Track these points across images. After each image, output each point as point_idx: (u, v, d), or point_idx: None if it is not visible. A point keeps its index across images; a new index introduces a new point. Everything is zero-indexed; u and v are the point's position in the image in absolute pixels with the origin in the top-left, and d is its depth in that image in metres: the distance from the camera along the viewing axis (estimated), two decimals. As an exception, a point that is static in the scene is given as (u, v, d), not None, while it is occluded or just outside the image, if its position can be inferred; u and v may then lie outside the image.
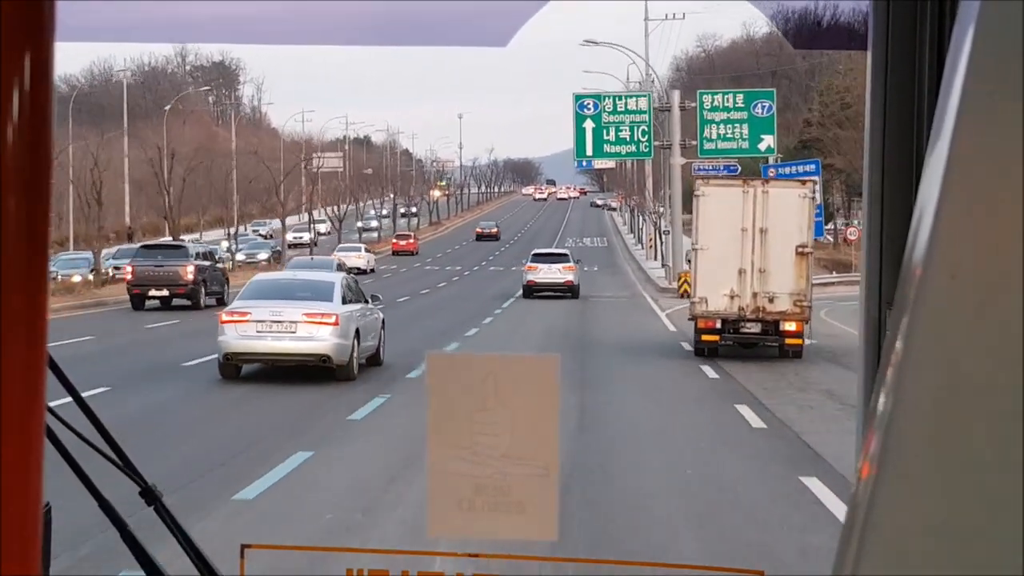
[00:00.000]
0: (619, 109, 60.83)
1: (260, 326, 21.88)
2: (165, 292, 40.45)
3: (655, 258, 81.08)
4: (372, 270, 67.18)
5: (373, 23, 2.71)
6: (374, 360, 23.95)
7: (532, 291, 52.15)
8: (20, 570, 0.99)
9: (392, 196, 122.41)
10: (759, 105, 59.60)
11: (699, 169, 64.87)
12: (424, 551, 2.19)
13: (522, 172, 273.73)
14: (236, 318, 22.03)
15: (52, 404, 1.49)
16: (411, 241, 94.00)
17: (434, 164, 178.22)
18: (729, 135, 60.05)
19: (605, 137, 60.77)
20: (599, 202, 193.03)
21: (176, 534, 2.23)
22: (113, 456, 2.21)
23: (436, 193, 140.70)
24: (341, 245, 76.26)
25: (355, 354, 22.39)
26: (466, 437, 1.95)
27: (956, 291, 0.94)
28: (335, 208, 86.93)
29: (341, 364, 21.97)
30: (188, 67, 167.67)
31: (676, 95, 63.49)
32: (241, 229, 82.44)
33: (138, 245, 47.46)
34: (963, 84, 0.96)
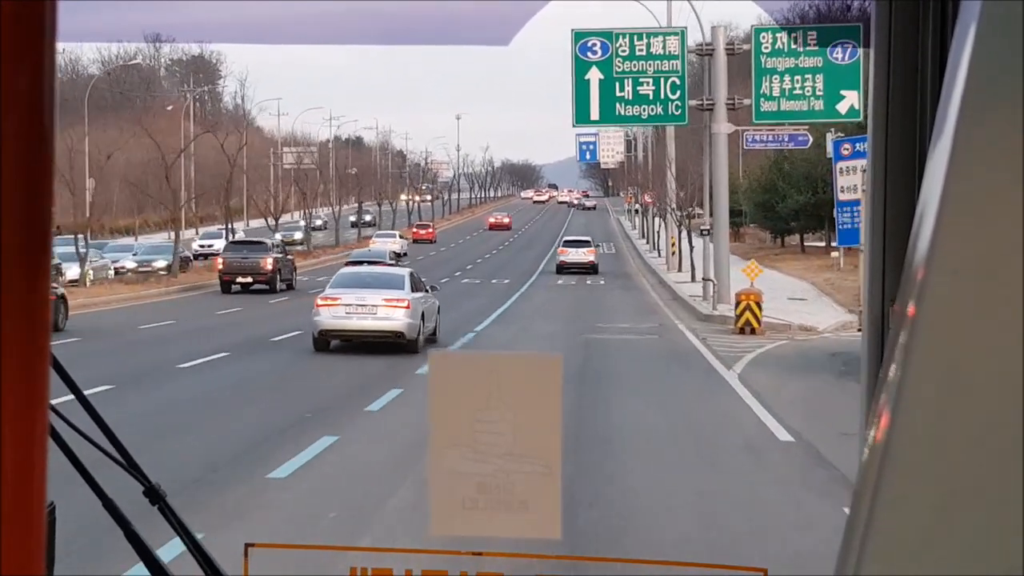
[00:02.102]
0: (638, 52, 40.71)
1: (348, 309, 26.38)
2: (249, 279, 46.83)
3: (679, 268, 61.07)
4: (405, 254, 71.69)
5: (374, 22, 2.66)
6: (431, 338, 27.98)
7: (563, 269, 64.21)
8: (24, 570, 0.99)
9: (353, 199, 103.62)
10: (839, 48, 39.52)
11: (753, 140, 44.77)
12: (428, 549, 2.17)
13: (522, 175, 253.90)
14: (329, 302, 26.52)
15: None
16: (430, 231, 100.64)
17: (429, 165, 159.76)
18: (797, 91, 40.06)
19: (618, 93, 40.66)
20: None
21: (180, 533, 2.19)
22: (117, 455, 2.16)
23: (416, 198, 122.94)
24: (378, 232, 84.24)
25: (421, 332, 26.78)
26: (468, 436, 1.93)
27: (958, 288, 0.94)
28: (273, 212, 68.87)
29: (411, 339, 26.24)
30: (164, 60, 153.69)
31: (721, 32, 43.23)
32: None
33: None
34: (965, 83, 0.96)
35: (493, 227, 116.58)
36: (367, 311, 26.44)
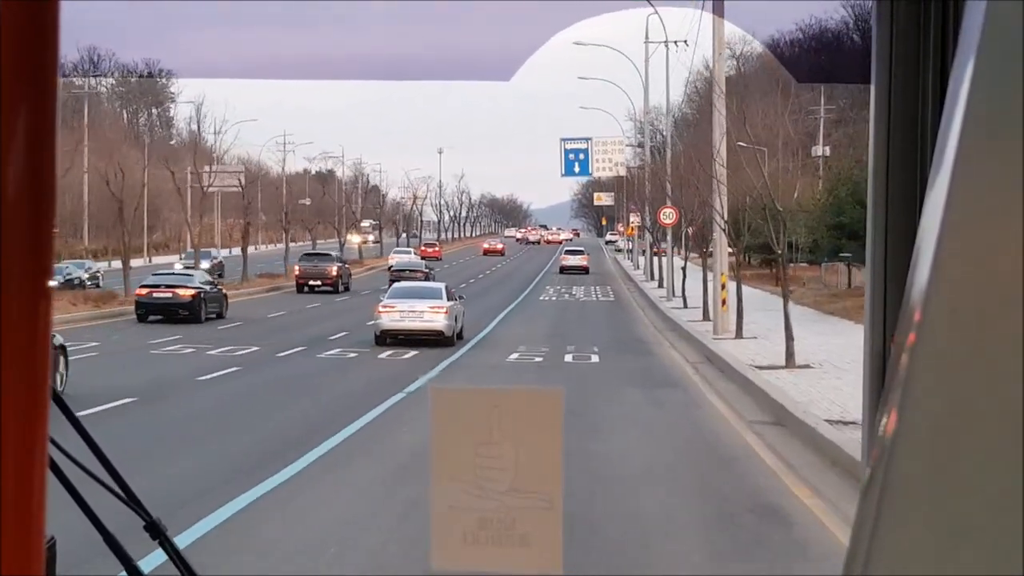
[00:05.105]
0: None
1: (401, 314, 32.29)
2: (319, 283, 57.26)
3: (738, 332, 32.10)
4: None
5: (380, 59, 2.62)
6: (459, 335, 33.76)
7: (564, 270, 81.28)
8: None
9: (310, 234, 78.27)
10: None
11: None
12: None
13: (508, 214, 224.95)
14: (388, 309, 32.53)
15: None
16: (436, 249, 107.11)
17: (402, 201, 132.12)
18: None
19: None
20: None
21: (180, 568, 2.11)
22: (118, 490, 2.08)
23: (355, 239, 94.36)
24: (396, 248, 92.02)
25: (455, 331, 32.99)
26: (470, 470, 1.89)
27: (956, 325, 0.92)
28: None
29: (448, 337, 32.27)
30: (110, 77, 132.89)
31: None
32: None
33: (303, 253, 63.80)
34: (963, 116, 0.94)
35: (487, 252, 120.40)
36: (416, 315, 32.10)
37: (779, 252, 27.70)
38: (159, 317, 38.38)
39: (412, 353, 29.95)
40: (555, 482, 1.89)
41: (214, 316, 39.78)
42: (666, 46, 63.61)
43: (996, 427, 0.89)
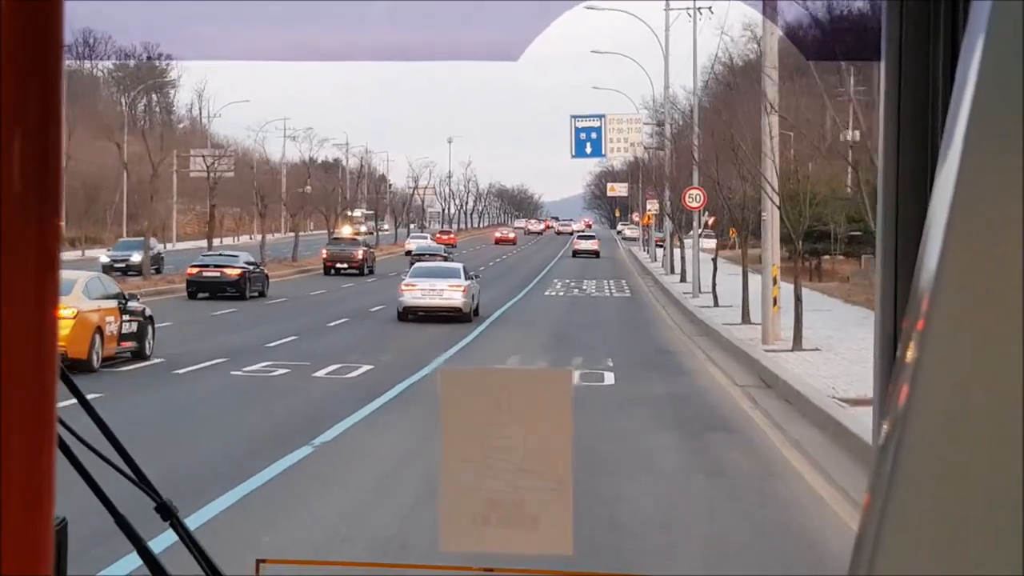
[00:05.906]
0: None
1: (423, 292, 34.23)
2: (345, 265, 60.32)
3: (797, 343, 24.27)
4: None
5: (384, 39, 2.62)
6: (476, 312, 35.49)
7: (576, 254, 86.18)
8: None
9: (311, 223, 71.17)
10: None
11: None
12: (438, 565, 2.12)
13: (519, 205, 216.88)
14: (409, 287, 34.61)
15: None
16: (452, 236, 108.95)
17: (408, 189, 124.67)
18: None
19: None
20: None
21: (192, 550, 2.07)
22: (128, 471, 2.05)
23: (347, 229, 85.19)
24: (412, 234, 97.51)
25: (471, 308, 34.92)
26: (479, 451, 1.89)
27: (966, 308, 0.92)
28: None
29: (466, 313, 34.24)
30: (107, 62, 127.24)
31: None
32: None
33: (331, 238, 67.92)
34: (972, 100, 0.94)
35: (499, 241, 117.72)
36: (436, 293, 34.04)
37: (873, 233, 19.85)
38: (206, 294, 41.30)
39: (365, 368, 22.24)
40: (564, 463, 1.88)
41: (256, 294, 42.72)
42: (691, 14, 56.05)
43: (1005, 414, 0.89)
